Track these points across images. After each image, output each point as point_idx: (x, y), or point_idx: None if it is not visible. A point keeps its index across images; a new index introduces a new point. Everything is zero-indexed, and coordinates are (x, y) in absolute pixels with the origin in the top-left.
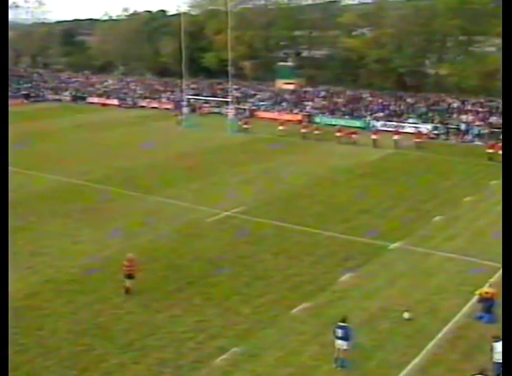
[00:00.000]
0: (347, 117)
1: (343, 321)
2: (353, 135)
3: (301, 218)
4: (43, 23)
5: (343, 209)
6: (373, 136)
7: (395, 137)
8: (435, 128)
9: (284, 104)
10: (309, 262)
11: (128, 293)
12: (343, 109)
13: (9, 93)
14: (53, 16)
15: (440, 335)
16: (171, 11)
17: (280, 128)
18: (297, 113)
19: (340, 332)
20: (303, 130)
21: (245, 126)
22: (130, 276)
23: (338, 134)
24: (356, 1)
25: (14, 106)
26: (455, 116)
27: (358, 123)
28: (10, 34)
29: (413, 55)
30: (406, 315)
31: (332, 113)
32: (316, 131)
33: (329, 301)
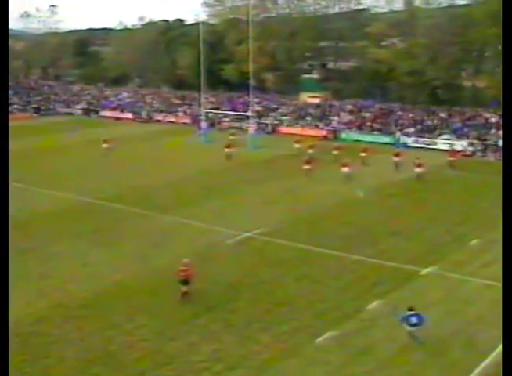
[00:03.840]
0: (375, 132)
1: (411, 310)
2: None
3: (326, 240)
4: (55, 32)
5: (371, 231)
6: (396, 158)
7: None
8: (471, 145)
9: (308, 119)
10: (335, 287)
11: (184, 298)
12: (371, 124)
13: (18, 106)
14: (66, 26)
15: (478, 370)
16: (189, 20)
17: (296, 145)
18: (322, 129)
19: (413, 319)
20: (335, 144)
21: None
22: (186, 282)
23: (363, 154)
24: (386, 9)
25: (23, 119)
26: (493, 131)
27: (387, 139)
28: (21, 44)
29: (448, 66)
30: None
31: (359, 128)
32: (335, 152)
33: (357, 329)
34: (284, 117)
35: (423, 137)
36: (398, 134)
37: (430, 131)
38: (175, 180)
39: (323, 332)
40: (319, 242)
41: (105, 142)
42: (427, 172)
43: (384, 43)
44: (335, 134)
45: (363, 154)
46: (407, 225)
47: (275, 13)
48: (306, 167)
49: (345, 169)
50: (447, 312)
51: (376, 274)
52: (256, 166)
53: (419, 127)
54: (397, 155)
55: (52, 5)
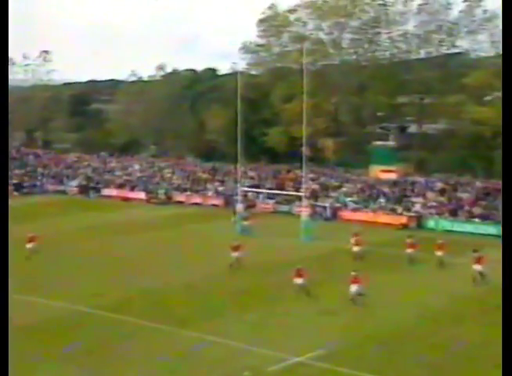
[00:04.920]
0: (477, 219)
1: None
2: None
3: (408, 371)
4: (46, 85)
5: (472, 360)
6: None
7: None
8: None
9: (382, 201)
10: None
11: None
12: (470, 208)
13: None
14: (61, 77)
15: None
16: (223, 70)
17: (352, 241)
18: (400, 214)
19: None
20: (408, 240)
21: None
22: None
23: (439, 253)
24: (491, 54)
25: None
26: None
27: (493, 229)
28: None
29: None
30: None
31: (454, 214)
32: (410, 250)
33: None
34: (349, 199)
35: None
36: None
37: None
38: (200, 282)
39: None
40: (398, 373)
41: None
42: None
43: (486, 98)
44: (419, 221)
45: (439, 253)
46: None
47: (338, 60)
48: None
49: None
50: None
51: None
52: (309, 264)
53: None
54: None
55: (44, 51)
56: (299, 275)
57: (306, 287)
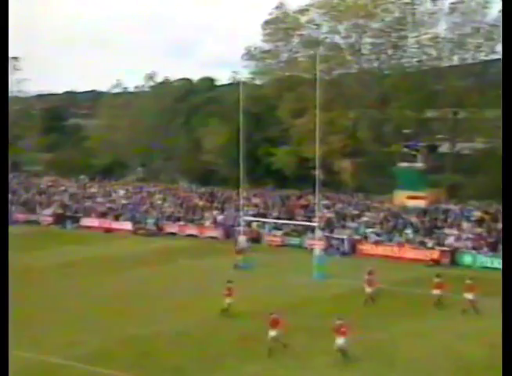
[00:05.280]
0: None
1: None
2: None
3: None
4: (16, 97)
5: None
6: None
7: None
8: None
9: (408, 232)
10: None
11: None
12: None
13: None
14: (33, 87)
15: None
16: (223, 79)
17: (365, 280)
18: (431, 249)
19: None
20: (436, 279)
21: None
22: None
23: (469, 296)
24: None
25: None
26: None
27: None
28: None
29: None
30: None
31: (494, 248)
32: (437, 280)
33: None
34: (370, 230)
35: None
36: None
37: None
38: (195, 327)
39: None
40: None
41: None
42: None
43: None
44: (453, 257)
45: (469, 296)
46: None
47: (357, 68)
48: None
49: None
50: None
51: None
52: (323, 308)
53: None
54: None
55: (13, 58)
56: (275, 324)
57: (279, 341)
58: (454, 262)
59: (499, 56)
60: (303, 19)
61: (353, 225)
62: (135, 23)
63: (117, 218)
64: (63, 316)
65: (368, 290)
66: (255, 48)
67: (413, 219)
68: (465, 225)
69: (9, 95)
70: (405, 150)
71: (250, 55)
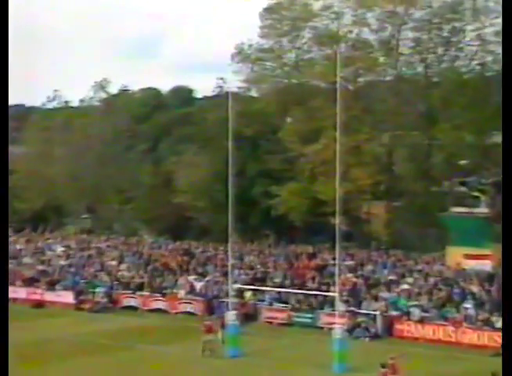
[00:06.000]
0: None
1: None
2: None
3: None
4: None
5: None
6: None
7: None
8: None
9: (468, 306)
10: None
11: None
12: None
13: None
14: None
15: None
16: (203, 89)
17: None
18: (500, 330)
19: None
20: None
21: None
22: None
23: None
24: None
25: None
26: None
27: None
28: None
29: None
30: None
31: None
32: None
33: None
34: (412, 303)
35: None
36: None
37: None
38: None
39: None
40: None
41: None
42: None
43: None
44: None
45: None
46: None
47: (393, 74)
48: None
49: None
50: None
51: None
52: None
53: None
54: None
55: None
56: None
57: None
58: None
59: None
60: (317, 5)
61: (388, 295)
62: (79, 13)
63: (51, 285)
64: None
65: None
66: (250, 46)
67: (475, 288)
68: None
69: None
70: (463, 188)
71: (242, 55)
